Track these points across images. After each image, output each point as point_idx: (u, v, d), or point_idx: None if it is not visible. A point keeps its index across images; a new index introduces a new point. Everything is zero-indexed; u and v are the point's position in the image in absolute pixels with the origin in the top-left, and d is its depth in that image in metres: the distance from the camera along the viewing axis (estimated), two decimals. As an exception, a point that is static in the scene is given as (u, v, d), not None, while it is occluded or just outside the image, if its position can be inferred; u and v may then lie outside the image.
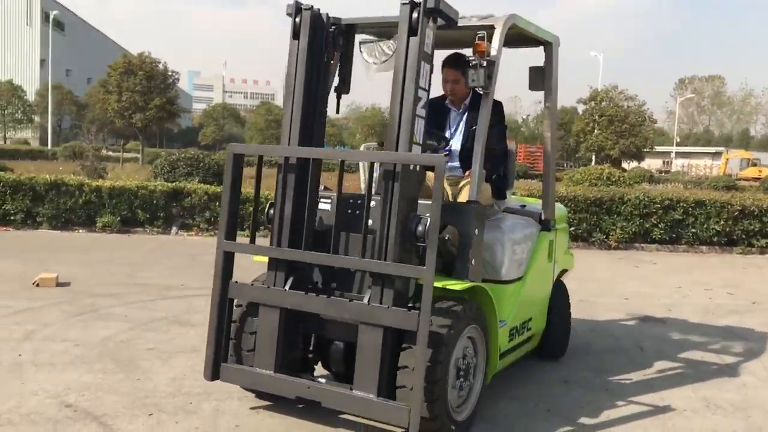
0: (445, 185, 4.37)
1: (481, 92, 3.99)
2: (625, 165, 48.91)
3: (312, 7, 3.83)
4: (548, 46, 4.82)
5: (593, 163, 39.61)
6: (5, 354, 4.96)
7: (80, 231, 11.86)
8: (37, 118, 52.04)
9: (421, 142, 3.54)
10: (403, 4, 3.49)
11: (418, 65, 3.46)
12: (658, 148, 62.41)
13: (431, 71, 3.60)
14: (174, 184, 12.65)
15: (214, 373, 3.80)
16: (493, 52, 3.91)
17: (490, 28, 4.05)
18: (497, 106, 4.43)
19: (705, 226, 12.85)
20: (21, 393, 4.20)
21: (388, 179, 3.46)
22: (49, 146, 43.36)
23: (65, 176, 12.57)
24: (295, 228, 3.72)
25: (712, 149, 69.92)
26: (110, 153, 34.79)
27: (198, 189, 12.32)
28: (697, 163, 63.69)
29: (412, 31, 3.48)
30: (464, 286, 3.68)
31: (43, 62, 57.39)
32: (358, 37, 4.30)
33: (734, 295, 8.68)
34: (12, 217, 11.80)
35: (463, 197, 4.19)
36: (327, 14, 3.95)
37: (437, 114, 4.62)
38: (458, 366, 3.65)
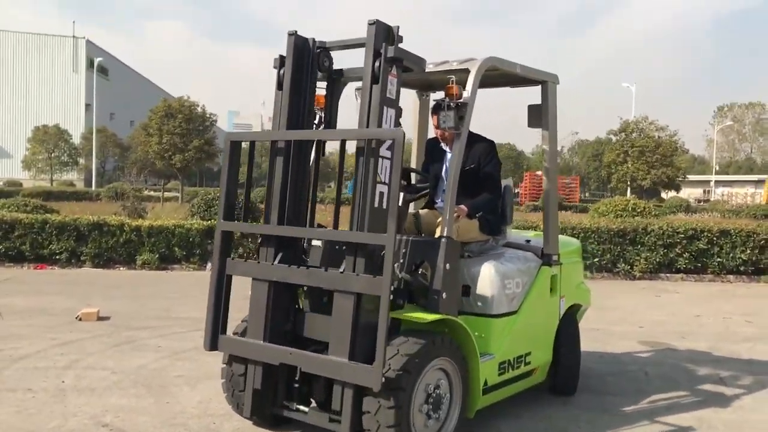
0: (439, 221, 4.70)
1: (455, 133, 4.17)
2: (663, 195, 48.58)
3: (296, 32, 4.12)
4: (544, 84, 5.03)
5: (628, 193, 39.43)
6: (51, 381, 5.44)
7: (121, 269, 12.48)
8: (82, 161, 53.95)
9: (386, 181, 3.80)
10: (370, 24, 3.80)
11: (380, 111, 3.79)
12: (698, 177, 61.72)
13: (398, 115, 3.90)
14: (209, 222, 13.23)
15: (212, 343, 4.22)
16: (466, 94, 4.15)
17: (466, 72, 4.30)
18: (488, 145, 4.75)
19: (731, 255, 12.92)
20: (64, 414, 4.66)
21: (356, 216, 3.77)
22: (93, 187, 44.89)
23: (107, 217, 13.25)
24: (282, 208, 4.09)
25: (755, 177, 68.81)
26: (151, 193, 35.92)
27: (232, 227, 12.84)
28: (738, 191, 62.74)
29: (375, 79, 3.80)
30: (430, 319, 3.82)
31: (88, 107, 59.77)
32: (352, 84, 4.59)
33: (752, 323, 8.80)
34: (57, 257, 12.48)
35: (437, 233, 4.30)
36: (313, 39, 4.21)
37: (435, 153, 4.95)
38: (425, 401, 3.80)
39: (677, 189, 45.23)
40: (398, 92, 3.92)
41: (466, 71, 4.30)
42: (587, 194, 57.75)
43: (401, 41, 3.94)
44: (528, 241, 5.19)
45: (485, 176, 4.65)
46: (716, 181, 64.18)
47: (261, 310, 4.08)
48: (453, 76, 4.12)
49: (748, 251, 12.90)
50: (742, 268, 12.96)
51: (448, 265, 3.99)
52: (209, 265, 12.79)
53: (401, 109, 3.96)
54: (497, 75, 4.72)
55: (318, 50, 4.23)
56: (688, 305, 10.07)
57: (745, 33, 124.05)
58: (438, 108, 4.42)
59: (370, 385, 3.56)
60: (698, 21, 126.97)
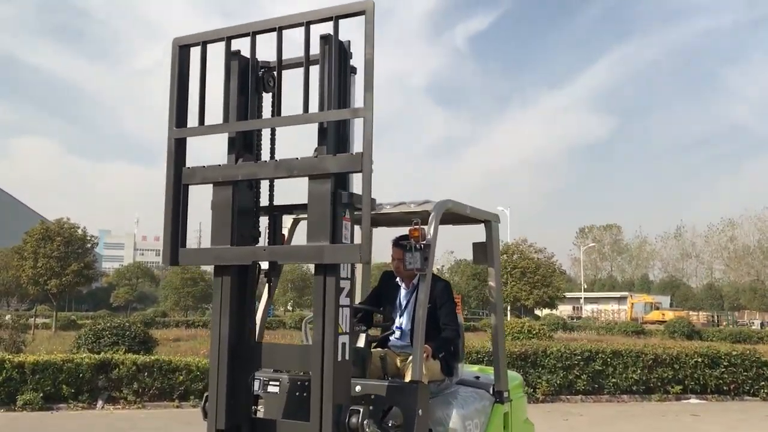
0: (397, 361, 4.68)
1: (420, 273, 4.22)
2: (537, 312, 50.64)
3: (239, 51, 3.88)
4: (487, 223, 5.24)
5: (509, 312, 40.80)
6: None
7: (-2, 410, 11.28)
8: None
9: (346, 330, 3.50)
10: (322, 37, 3.62)
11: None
12: (568, 294, 65.19)
13: (353, 266, 3.67)
14: (101, 355, 12.34)
15: (173, 258, 3.81)
16: (429, 236, 4.24)
17: (427, 213, 4.44)
18: (445, 285, 4.81)
19: (624, 375, 13.52)
20: None
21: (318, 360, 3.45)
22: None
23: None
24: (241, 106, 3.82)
25: (618, 294, 73.47)
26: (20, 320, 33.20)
27: (126, 360, 12.05)
28: (605, 308, 66.62)
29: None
30: None
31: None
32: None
33: (660, 444, 9.15)
34: None
35: (407, 377, 4.24)
36: (256, 59, 3.92)
37: (390, 286, 4.88)
38: None
39: (552, 307, 47.43)
40: (352, 235, 3.73)
41: (425, 213, 4.43)
42: (466, 312, 59.19)
43: (351, 57, 3.88)
44: (477, 377, 5.20)
45: (445, 317, 4.68)
46: (585, 298, 67.84)
47: (226, 215, 3.74)
48: (418, 219, 4.20)
49: (639, 371, 13.57)
50: (634, 388, 13.56)
51: (420, 411, 3.91)
52: (100, 404, 11.84)
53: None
54: (447, 215, 4.89)
55: (262, 70, 4.01)
56: (596, 428, 10.34)
57: (596, 162, 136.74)
58: (400, 245, 4.49)
59: (356, 260, 3.43)
60: (556, 152, 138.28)
